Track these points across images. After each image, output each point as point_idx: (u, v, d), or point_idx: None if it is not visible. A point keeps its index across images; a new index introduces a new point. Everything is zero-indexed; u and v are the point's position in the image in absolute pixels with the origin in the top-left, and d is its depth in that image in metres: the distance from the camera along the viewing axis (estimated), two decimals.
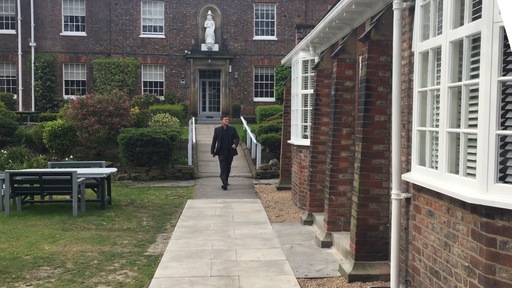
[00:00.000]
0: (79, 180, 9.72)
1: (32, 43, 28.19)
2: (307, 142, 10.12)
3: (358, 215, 5.88)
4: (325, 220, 7.58)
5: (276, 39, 29.48)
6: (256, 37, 29.47)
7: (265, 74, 29.77)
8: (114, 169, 10.89)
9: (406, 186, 5.32)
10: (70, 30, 29.00)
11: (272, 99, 29.32)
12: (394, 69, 5.24)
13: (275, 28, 29.58)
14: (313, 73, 9.64)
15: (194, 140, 17.47)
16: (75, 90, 28.49)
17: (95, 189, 10.89)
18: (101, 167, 11.53)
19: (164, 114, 18.17)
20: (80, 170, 10.40)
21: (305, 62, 10.49)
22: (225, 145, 13.25)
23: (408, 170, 5.28)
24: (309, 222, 8.93)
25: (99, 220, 9.17)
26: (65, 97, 28.23)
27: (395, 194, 5.26)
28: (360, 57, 6.45)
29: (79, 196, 10.03)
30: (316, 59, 9.90)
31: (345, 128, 7.46)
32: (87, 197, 11.54)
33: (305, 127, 10.55)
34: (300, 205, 10.55)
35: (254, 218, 9.52)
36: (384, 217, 5.90)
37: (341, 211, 7.45)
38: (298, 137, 10.73)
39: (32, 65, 28.11)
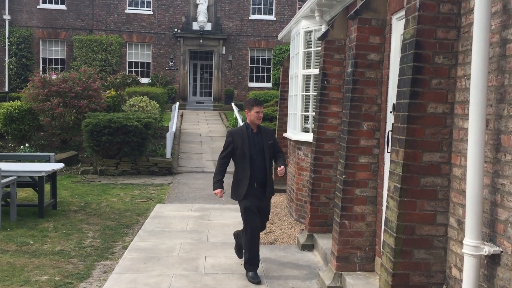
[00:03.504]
0: (5, 180, 7.34)
1: (6, 16, 25.55)
2: (308, 137, 7.76)
3: (395, 268, 3.55)
4: (333, 254, 5.25)
5: (275, 19, 26.92)
6: (252, 16, 26.91)
7: (261, 57, 27.25)
8: (60, 165, 8.50)
9: (491, 231, 3.00)
10: (48, 3, 26.34)
11: (269, 85, 26.83)
12: (478, 21, 2.88)
13: (273, 7, 27.01)
14: (319, 47, 7.26)
15: (174, 128, 15.05)
16: (53, 69, 25.94)
17: (38, 189, 8.53)
18: (48, 161, 9.15)
19: (142, 97, 15.72)
20: (11, 166, 8.02)
21: (308, 34, 8.09)
22: (259, 171, 5.46)
23: (494, 202, 2.95)
24: (309, 246, 6.60)
25: (26, 236, 6.80)
26: (43, 76, 25.63)
27: (472, 246, 2.93)
28: (405, 9, 4.06)
29: (9, 200, 7.69)
30: (324, 28, 7.49)
31: (367, 122, 5.10)
32: (30, 199, 9.18)
33: (306, 118, 8.19)
34: (296, 216, 8.22)
35: None
36: (438, 272, 3.57)
37: (357, 243, 5.11)
38: (296, 130, 8.37)
39: (6, 40, 25.55)
